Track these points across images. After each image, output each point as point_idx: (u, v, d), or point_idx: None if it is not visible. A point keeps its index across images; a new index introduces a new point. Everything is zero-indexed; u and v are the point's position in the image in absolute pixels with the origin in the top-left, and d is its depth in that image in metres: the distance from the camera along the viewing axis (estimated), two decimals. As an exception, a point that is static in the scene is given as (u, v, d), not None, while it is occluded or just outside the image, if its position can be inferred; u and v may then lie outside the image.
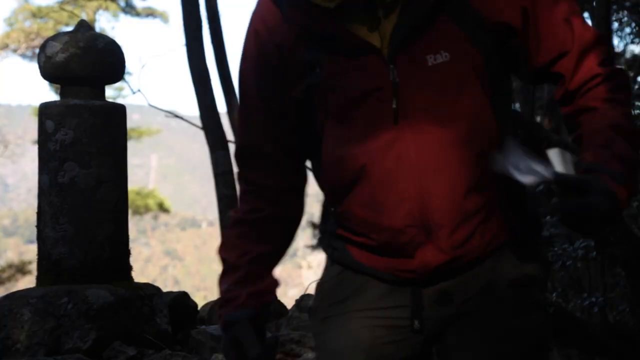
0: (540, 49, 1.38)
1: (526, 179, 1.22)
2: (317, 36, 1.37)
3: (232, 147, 10.23)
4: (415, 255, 1.38)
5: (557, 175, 1.20)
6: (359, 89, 1.37)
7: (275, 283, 1.50)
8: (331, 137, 1.41)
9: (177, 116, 13.34)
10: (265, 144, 1.47)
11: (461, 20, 1.35)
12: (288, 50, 1.40)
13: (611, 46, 1.37)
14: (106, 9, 19.56)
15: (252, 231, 1.49)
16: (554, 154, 1.26)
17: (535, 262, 1.46)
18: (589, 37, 1.37)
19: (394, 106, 1.34)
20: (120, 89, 20.91)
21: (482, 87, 1.36)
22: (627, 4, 6.93)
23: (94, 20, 18.99)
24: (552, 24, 1.38)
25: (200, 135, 10.39)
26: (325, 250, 1.52)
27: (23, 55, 19.66)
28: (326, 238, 1.51)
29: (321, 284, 1.53)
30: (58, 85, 3.75)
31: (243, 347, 1.40)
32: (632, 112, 1.34)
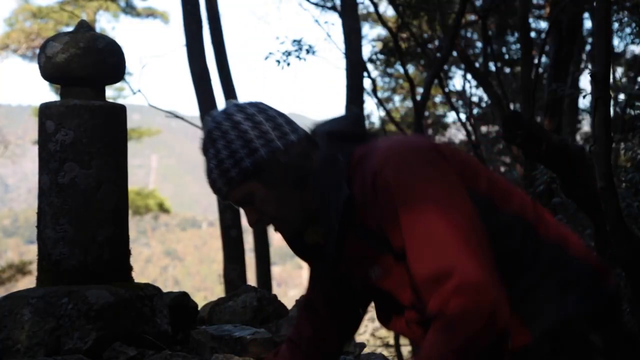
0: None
1: None
2: None
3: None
4: None
5: None
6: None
7: None
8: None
9: (177, 116, 13.36)
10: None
11: (365, 237, 1.64)
12: None
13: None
14: (106, 9, 19.58)
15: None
16: None
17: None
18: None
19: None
20: (121, 89, 20.98)
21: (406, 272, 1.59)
22: (627, 4, 6.93)
23: (94, 21, 19.02)
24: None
25: (200, 135, 10.38)
26: None
27: (23, 56, 19.69)
28: None
29: None
30: (58, 86, 3.74)
31: None
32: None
